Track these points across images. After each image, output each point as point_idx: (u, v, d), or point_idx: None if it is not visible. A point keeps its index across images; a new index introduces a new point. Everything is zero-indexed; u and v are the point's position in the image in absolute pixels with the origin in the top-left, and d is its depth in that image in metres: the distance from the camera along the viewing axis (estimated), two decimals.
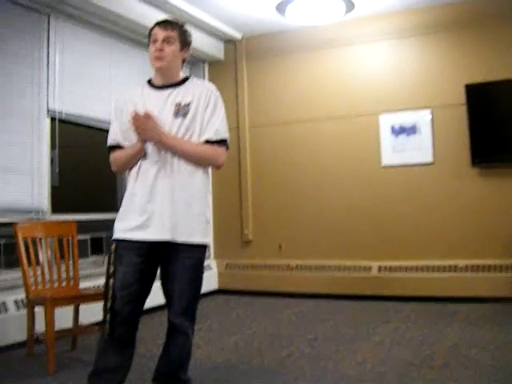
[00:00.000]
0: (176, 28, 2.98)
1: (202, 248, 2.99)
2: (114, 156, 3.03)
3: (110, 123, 3.12)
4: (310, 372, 3.85)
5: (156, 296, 3.04)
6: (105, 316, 2.87)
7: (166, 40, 2.93)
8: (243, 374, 3.87)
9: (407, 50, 6.71)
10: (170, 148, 2.88)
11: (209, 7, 6.50)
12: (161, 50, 2.92)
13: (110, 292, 2.86)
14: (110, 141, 3.05)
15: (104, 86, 6.12)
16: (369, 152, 6.80)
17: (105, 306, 2.88)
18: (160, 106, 2.94)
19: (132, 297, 2.86)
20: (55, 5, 5.44)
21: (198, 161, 2.95)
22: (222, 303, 6.71)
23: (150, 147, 2.90)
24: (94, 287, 5.27)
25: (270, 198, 7.35)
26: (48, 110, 5.47)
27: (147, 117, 2.81)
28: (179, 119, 2.91)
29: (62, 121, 5.63)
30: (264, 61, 7.47)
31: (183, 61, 3.10)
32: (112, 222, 3.01)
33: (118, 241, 2.91)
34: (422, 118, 6.54)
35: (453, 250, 6.32)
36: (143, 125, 2.80)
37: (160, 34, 2.94)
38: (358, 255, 6.78)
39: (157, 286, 2.99)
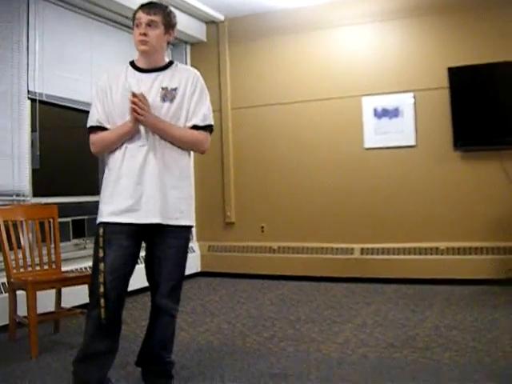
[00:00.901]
0: (159, 11, 2.95)
1: (189, 229, 3.04)
2: (97, 137, 2.98)
3: (90, 104, 3.08)
4: (292, 353, 3.88)
5: (138, 278, 3.03)
6: (97, 301, 2.82)
7: (150, 24, 2.91)
8: (226, 355, 3.88)
9: (390, 33, 6.70)
10: (160, 131, 2.88)
11: None
12: (144, 34, 2.90)
13: (102, 277, 2.82)
14: (93, 121, 3.00)
15: (85, 68, 6.05)
16: (351, 134, 6.80)
17: (95, 291, 2.83)
18: (146, 88, 2.92)
19: (120, 280, 2.85)
20: None
21: (186, 145, 2.98)
22: (205, 286, 6.72)
23: (140, 129, 2.88)
24: (76, 270, 5.25)
25: (253, 180, 7.35)
26: (28, 92, 5.41)
27: (143, 98, 2.79)
28: (166, 103, 2.92)
29: (42, 103, 5.57)
30: (247, 42, 7.42)
31: (168, 43, 3.09)
32: (94, 204, 2.99)
33: (106, 224, 2.88)
34: (405, 101, 6.55)
35: (435, 233, 6.36)
36: (139, 107, 2.78)
37: (143, 18, 2.91)
38: (340, 237, 6.80)
39: (138, 268, 2.97)
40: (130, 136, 2.90)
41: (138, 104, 2.78)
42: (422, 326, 4.46)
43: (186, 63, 7.36)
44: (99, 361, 2.89)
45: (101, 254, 2.86)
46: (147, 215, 2.85)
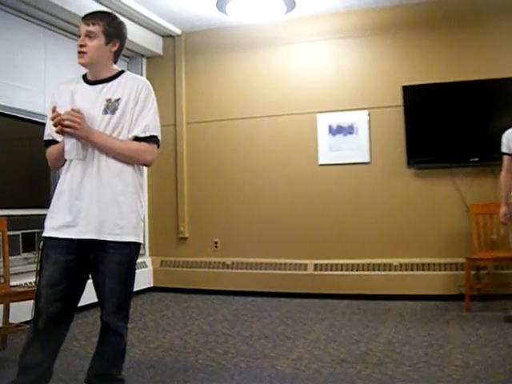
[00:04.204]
0: (99, 22, 2.84)
1: (133, 246, 2.89)
2: (48, 151, 2.95)
3: (44, 116, 3.03)
4: (245, 369, 3.85)
5: (90, 294, 2.97)
6: (33, 314, 2.81)
7: (88, 35, 2.82)
8: (179, 372, 3.83)
9: (346, 51, 6.78)
10: (95, 145, 2.79)
11: (148, 2, 6.42)
12: (82, 45, 2.82)
13: (36, 290, 2.80)
14: (45, 135, 2.96)
15: (39, 78, 5.95)
16: (306, 150, 6.84)
17: (34, 304, 2.81)
18: (91, 101, 2.84)
19: (59, 295, 2.78)
20: None
21: (125, 158, 2.85)
22: (157, 301, 6.64)
23: (76, 142, 2.80)
24: (25, 285, 5.13)
25: (206, 195, 7.32)
26: None
27: (76, 111, 2.72)
28: (108, 115, 2.82)
29: None
30: (203, 57, 7.42)
31: (116, 53, 2.96)
32: (45, 217, 2.92)
33: (46, 238, 2.83)
34: (360, 119, 6.62)
35: (388, 249, 6.43)
36: (71, 121, 2.70)
37: (82, 28, 2.83)
38: (294, 253, 6.81)
39: (89, 283, 2.92)
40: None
41: (69, 118, 2.69)
42: (376, 342, 4.48)
43: (142, 76, 7.30)
44: (28, 375, 2.81)
45: (39, 268, 2.82)
46: (83, 231, 2.78)
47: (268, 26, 7.02)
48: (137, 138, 2.86)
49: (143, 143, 2.87)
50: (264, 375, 3.71)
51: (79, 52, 2.83)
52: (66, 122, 2.68)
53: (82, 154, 2.78)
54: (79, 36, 2.85)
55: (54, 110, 2.73)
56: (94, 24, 2.82)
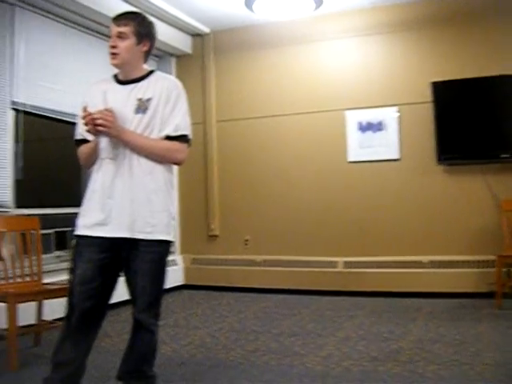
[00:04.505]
0: (130, 22, 2.87)
1: (164, 244, 2.93)
2: (79, 150, 3.00)
3: (75, 116, 3.07)
4: (275, 367, 3.85)
5: (123, 291, 3.01)
6: (66, 311, 2.86)
7: (119, 36, 2.85)
8: (209, 369, 3.85)
9: (375, 48, 6.75)
10: (127, 143, 2.82)
11: (177, 1, 6.46)
12: (113, 46, 2.85)
13: (69, 287, 2.85)
14: (77, 135, 3.01)
15: (70, 79, 6.04)
16: (335, 147, 6.83)
17: (67, 301, 2.86)
18: (123, 101, 2.88)
19: (92, 292, 2.82)
20: None
21: (157, 157, 2.89)
22: (188, 298, 6.68)
23: (110, 143, 2.85)
24: (57, 282, 5.20)
25: (237, 193, 7.34)
26: (12, 102, 5.38)
27: (108, 111, 2.75)
28: (139, 115, 2.86)
29: (26, 113, 5.54)
30: (232, 55, 7.44)
31: (146, 53, 3.00)
32: (76, 216, 2.97)
33: (79, 237, 2.88)
34: (389, 115, 6.59)
35: (418, 246, 6.38)
36: (104, 120, 2.73)
37: (113, 30, 2.86)
38: (324, 250, 6.81)
39: (121, 280, 2.96)
40: (96, 149, 2.89)
41: (102, 117, 2.73)
42: (406, 340, 4.46)
43: (171, 75, 7.32)
44: (62, 372, 2.86)
45: (72, 266, 2.87)
46: (115, 229, 2.82)
47: (296, 24, 7.01)
48: (168, 137, 2.89)
49: (174, 142, 2.90)
50: (294, 373, 3.72)
51: (111, 53, 2.87)
52: (99, 121, 2.72)
53: (113, 152, 2.82)
54: (110, 37, 2.89)
55: (85, 110, 2.77)
56: (124, 25, 2.86)
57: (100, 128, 2.73)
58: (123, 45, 2.85)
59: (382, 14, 6.67)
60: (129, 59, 2.89)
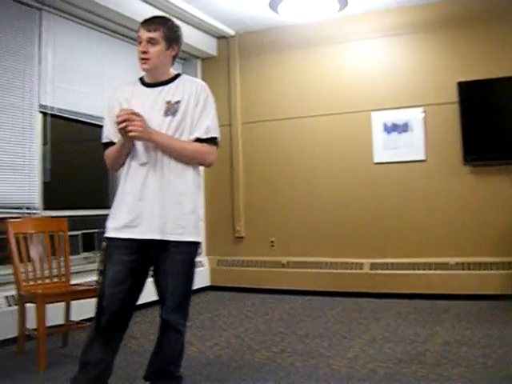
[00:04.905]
0: (160, 27, 2.90)
1: (194, 245, 2.97)
2: (106, 153, 3.03)
3: (102, 119, 3.10)
4: (301, 368, 3.86)
5: (148, 292, 3.03)
6: (95, 312, 2.89)
7: (150, 41, 2.88)
8: (235, 370, 3.87)
9: (400, 48, 6.72)
10: (159, 145, 2.85)
11: (201, 3, 6.49)
12: (144, 52, 2.88)
13: (101, 289, 2.88)
14: (103, 138, 3.04)
15: (96, 82, 6.10)
16: (361, 149, 6.81)
17: (96, 302, 2.89)
18: (151, 103, 2.91)
19: (122, 294, 2.86)
20: (47, 0, 5.42)
21: (187, 159, 2.92)
22: (214, 300, 6.71)
23: (139, 146, 2.87)
24: (85, 283, 5.25)
25: (262, 195, 7.36)
26: (40, 106, 5.45)
27: (137, 115, 2.78)
28: (169, 117, 2.89)
29: (53, 116, 5.61)
30: (257, 57, 7.46)
31: (174, 57, 3.04)
32: (103, 218, 3.00)
33: (109, 239, 2.92)
34: (415, 116, 6.55)
35: (444, 248, 6.34)
36: (132, 123, 2.75)
37: (144, 35, 2.89)
38: (350, 252, 6.79)
39: (149, 281, 2.99)
40: (126, 150, 2.91)
41: (131, 120, 2.75)
42: (432, 342, 4.43)
43: (197, 77, 7.34)
44: (90, 372, 2.90)
45: (102, 268, 2.91)
46: (146, 231, 2.86)
47: (320, 25, 7.01)
48: (198, 140, 2.92)
49: (205, 144, 2.94)
50: (320, 374, 3.72)
51: (142, 58, 2.90)
52: (129, 128, 2.74)
53: (144, 155, 2.85)
54: (139, 42, 2.92)
55: (118, 115, 2.79)
56: (155, 30, 2.89)
57: (131, 134, 2.76)
58: (154, 50, 2.89)
59: (408, 14, 6.64)
60: (159, 64, 2.93)
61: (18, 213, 5.13)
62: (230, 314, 5.84)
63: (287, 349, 4.39)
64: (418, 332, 4.78)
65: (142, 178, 2.88)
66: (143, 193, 2.87)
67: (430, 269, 6.34)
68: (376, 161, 6.75)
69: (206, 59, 7.73)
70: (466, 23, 6.38)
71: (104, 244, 2.93)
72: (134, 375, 3.66)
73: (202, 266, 7.28)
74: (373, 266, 6.63)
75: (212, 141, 2.98)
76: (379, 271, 6.58)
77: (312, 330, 4.99)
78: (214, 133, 2.98)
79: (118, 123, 2.76)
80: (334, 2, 6.36)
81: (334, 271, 6.80)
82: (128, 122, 2.74)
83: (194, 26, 6.96)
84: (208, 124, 2.94)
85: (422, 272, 6.37)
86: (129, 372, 3.79)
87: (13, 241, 4.37)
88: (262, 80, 7.45)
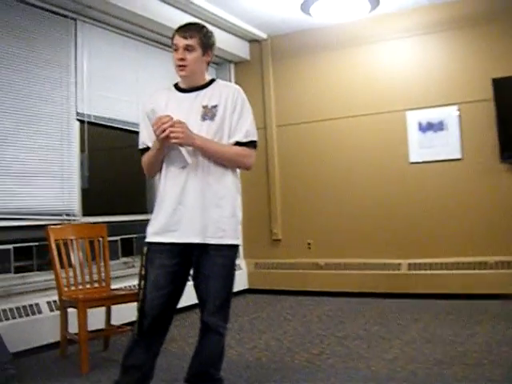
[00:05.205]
0: (196, 34, 2.94)
1: (234, 248, 3.00)
2: (143, 159, 3.06)
3: (138, 125, 3.14)
4: (341, 370, 3.86)
5: (188, 296, 3.07)
6: (136, 317, 2.93)
7: (187, 48, 2.92)
8: (275, 372, 3.88)
9: (432, 46, 6.67)
10: (200, 149, 2.87)
11: (233, 8, 6.53)
12: (182, 59, 2.92)
13: (141, 293, 2.91)
14: (140, 144, 3.08)
15: (132, 89, 6.18)
16: (396, 149, 6.77)
17: (137, 307, 2.93)
18: (187, 109, 2.94)
19: (163, 299, 2.90)
20: (81, 10, 5.51)
21: (228, 162, 2.95)
22: (252, 303, 6.73)
23: (178, 150, 2.89)
24: (124, 288, 5.32)
25: (298, 197, 7.36)
26: (77, 114, 5.54)
27: (178, 122, 2.79)
28: (207, 122, 2.92)
29: (90, 124, 5.70)
30: (290, 60, 7.47)
31: (208, 63, 3.07)
32: (142, 223, 3.04)
33: (150, 244, 2.95)
34: (449, 114, 6.49)
35: (483, 246, 6.26)
36: (173, 129, 2.78)
37: (180, 42, 2.92)
38: (387, 253, 6.75)
39: (188, 285, 3.02)
40: (161, 155, 2.93)
41: (173, 130, 2.76)
42: (472, 342, 4.39)
43: (231, 81, 7.40)
44: (132, 375, 2.95)
45: (143, 272, 2.94)
46: (187, 235, 2.88)
47: (352, 26, 6.99)
48: (238, 143, 2.95)
49: (244, 148, 2.97)
50: (359, 376, 3.71)
51: (179, 65, 2.94)
52: (172, 135, 2.77)
53: (187, 160, 2.87)
54: (175, 49, 2.95)
55: (159, 119, 2.81)
56: (191, 37, 2.93)
57: (174, 140, 2.79)
58: (191, 57, 2.93)
59: (439, 11, 6.58)
60: (195, 70, 2.97)
61: (58, 219, 5.21)
62: (269, 317, 5.86)
63: (326, 351, 4.39)
64: (457, 332, 4.74)
65: (182, 182, 2.90)
66: (183, 197, 2.89)
67: (468, 268, 6.27)
68: (412, 160, 6.70)
69: (239, 63, 7.77)
70: (499, 18, 6.30)
71: (145, 248, 2.97)
72: (175, 378, 3.70)
73: (240, 268, 7.31)
74: (410, 266, 6.59)
75: (251, 144, 3.00)
76: (417, 271, 6.53)
77: (351, 332, 4.99)
78: (253, 136, 3.01)
79: (159, 131, 2.78)
80: (365, 2, 6.35)
81: (372, 272, 6.77)
82: (170, 129, 2.76)
83: (226, 30, 7.00)
84: (247, 128, 2.97)
85: (460, 272, 6.30)
86: (169, 375, 3.82)
87: (53, 247, 4.45)
88: (295, 82, 7.46)
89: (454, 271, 6.33)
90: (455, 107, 6.48)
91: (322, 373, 3.82)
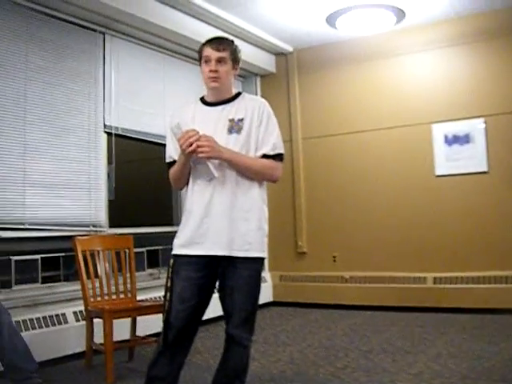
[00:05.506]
0: (228, 48, 2.99)
1: (260, 260, 2.99)
2: (170, 173, 3.08)
3: (164, 137, 3.17)
4: None
5: (213, 308, 3.08)
6: (162, 328, 2.94)
7: (220, 60, 2.95)
8: None
9: (458, 58, 6.65)
10: (228, 162, 2.89)
11: (259, 21, 6.57)
12: (216, 70, 2.95)
13: (167, 305, 2.93)
14: (167, 158, 3.11)
15: (158, 101, 6.25)
16: (422, 162, 6.74)
17: (163, 317, 2.95)
18: (214, 122, 2.96)
19: (189, 311, 2.91)
20: (110, 23, 5.60)
21: (255, 175, 2.96)
22: (277, 315, 6.73)
23: (205, 163, 2.91)
24: (150, 299, 5.36)
25: (324, 210, 7.35)
26: (104, 126, 5.61)
27: (204, 136, 2.81)
28: (233, 135, 2.93)
29: (117, 136, 5.76)
30: (315, 73, 7.49)
31: (235, 76, 3.13)
32: (167, 235, 3.07)
33: (176, 256, 2.97)
34: (476, 127, 6.46)
35: (509, 260, 6.19)
36: (199, 143, 2.80)
37: (213, 54, 2.95)
38: (412, 266, 6.71)
39: (214, 297, 3.02)
40: (187, 169, 2.96)
41: (200, 144, 2.78)
42: (499, 358, 4.34)
43: (257, 95, 7.43)
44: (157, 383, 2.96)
45: (169, 284, 2.95)
46: (213, 247, 2.89)
47: (378, 38, 7.00)
48: (265, 156, 2.97)
49: (271, 160, 2.98)
50: None
51: (212, 77, 2.96)
52: (199, 149, 2.79)
53: (214, 173, 2.88)
54: (206, 61, 2.98)
55: (181, 135, 2.83)
56: (224, 50, 2.97)
57: (201, 155, 2.81)
58: (223, 69, 2.96)
59: (465, 23, 6.56)
60: (226, 82, 3.00)
61: (85, 230, 5.27)
62: (293, 330, 5.85)
63: (351, 364, 4.37)
64: (483, 347, 4.69)
65: (209, 194, 2.91)
66: (210, 209, 2.90)
67: (495, 282, 6.21)
68: (438, 173, 6.67)
69: (264, 76, 7.81)
70: None
71: (171, 261, 2.98)
72: None
73: (265, 281, 7.31)
74: (436, 280, 6.54)
75: (278, 157, 3.01)
76: (442, 285, 6.48)
77: (375, 346, 4.96)
78: (280, 149, 3.02)
79: (185, 146, 2.80)
80: (391, 15, 6.35)
81: (397, 286, 6.73)
82: (197, 143, 2.78)
83: (252, 43, 7.05)
84: (274, 141, 2.98)
85: (486, 286, 6.24)
86: None
87: (80, 258, 4.50)
88: (321, 95, 7.47)
89: (480, 285, 6.27)
90: (481, 120, 6.44)
91: None
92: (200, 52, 3.03)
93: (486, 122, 6.42)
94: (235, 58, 3.03)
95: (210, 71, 2.96)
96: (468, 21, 6.55)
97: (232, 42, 3.08)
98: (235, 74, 3.08)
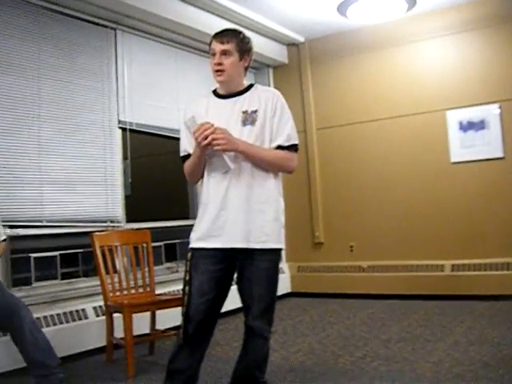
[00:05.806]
0: (232, 39, 2.97)
1: (277, 252, 3.01)
2: (185, 166, 3.09)
3: (178, 131, 3.17)
4: (385, 373, 3.85)
5: (232, 300, 3.09)
6: (181, 321, 2.96)
7: (224, 53, 2.94)
8: (319, 376, 3.89)
9: (472, 44, 6.59)
10: (244, 154, 2.89)
11: (270, 12, 6.56)
12: (219, 63, 2.94)
13: (186, 298, 2.94)
14: (181, 151, 3.11)
15: (172, 95, 6.26)
16: (437, 149, 6.71)
17: (182, 312, 2.96)
18: (227, 114, 2.96)
19: (207, 304, 2.92)
20: (121, 19, 5.62)
21: (271, 166, 2.96)
22: (296, 306, 6.74)
23: (220, 155, 2.92)
24: (168, 293, 5.38)
25: (340, 199, 7.34)
26: (119, 122, 5.64)
27: (219, 128, 2.82)
28: (247, 127, 2.93)
29: (132, 131, 5.78)
30: (328, 62, 7.47)
31: (246, 68, 3.09)
32: (184, 228, 3.07)
33: (194, 249, 2.98)
34: (491, 113, 6.41)
35: None
36: (215, 136, 2.81)
37: (217, 47, 2.95)
38: (430, 254, 6.69)
39: (232, 289, 3.04)
40: (202, 162, 2.96)
41: (215, 137, 2.78)
42: None
43: (269, 86, 7.43)
44: (177, 379, 2.96)
45: (188, 278, 2.96)
46: (231, 240, 2.89)
47: (390, 26, 6.95)
48: (280, 147, 2.96)
49: (286, 151, 2.98)
50: (404, 379, 3.70)
51: (217, 70, 2.96)
52: (214, 142, 2.79)
53: (229, 165, 2.88)
54: (212, 54, 2.98)
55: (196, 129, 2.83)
56: (228, 42, 2.95)
57: (217, 147, 2.81)
58: (228, 62, 2.95)
59: (478, 8, 6.50)
60: (233, 75, 2.98)
61: (103, 226, 5.30)
62: (312, 320, 5.86)
63: (370, 353, 4.37)
64: (503, 334, 4.67)
65: (225, 187, 2.92)
66: (226, 202, 2.91)
67: None
68: (453, 160, 6.63)
69: (277, 67, 7.79)
70: None
71: (189, 254, 3.00)
72: (220, 382, 3.73)
73: (283, 272, 7.31)
74: (454, 267, 6.51)
75: (293, 148, 3.01)
76: (460, 272, 6.45)
77: (394, 334, 4.96)
78: (295, 140, 3.02)
79: (201, 139, 2.80)
80: (402, 2, 6.31)
81: (415, 274, 6.71)
82: (212, 135, 2.78)
83: (263, 35, 7.04)
84: (288, 132, 2.98)
85: (505, 272, 6.20)
86: (214, 379, 3.86)
87: (99, 253, 4.53)
88: (334, 84, 7.45)
89: (498, 272, 6.24)
90: (496, 105, 6.39)
91: (366, 376, 3.81)
92: (209, 46, 3.03)
93: (501, 108, 6.37)
94: (242, 49, 3.00)
95: (214, 64, 2.96)
96: (480, 5, 6.49)
97: (239, 33, 3.06)
98: (245, 65, 3.05)
